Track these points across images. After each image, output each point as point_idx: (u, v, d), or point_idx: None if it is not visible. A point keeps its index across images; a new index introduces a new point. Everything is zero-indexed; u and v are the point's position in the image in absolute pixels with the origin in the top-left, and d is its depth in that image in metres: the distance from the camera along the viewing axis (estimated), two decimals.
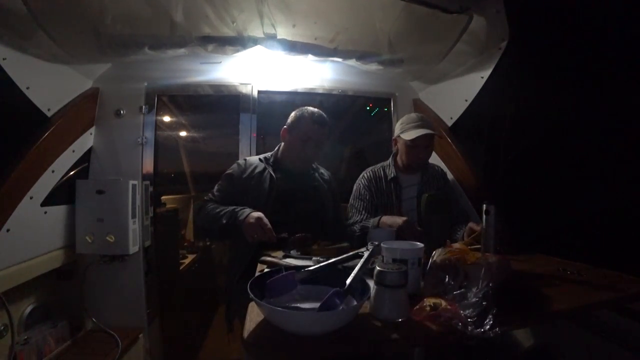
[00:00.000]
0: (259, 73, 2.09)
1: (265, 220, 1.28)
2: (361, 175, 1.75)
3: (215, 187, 1.56)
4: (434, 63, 1.87)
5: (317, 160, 1.68)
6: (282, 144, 1.65)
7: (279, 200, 1.49)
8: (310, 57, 1.90)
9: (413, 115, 1.68)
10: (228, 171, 1.59)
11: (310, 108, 1.59)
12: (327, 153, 1.77)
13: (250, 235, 1.27)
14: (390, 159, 1.74)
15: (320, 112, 1.58)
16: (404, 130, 1.62)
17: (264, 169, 1.55)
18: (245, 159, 1.61)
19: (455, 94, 1.91)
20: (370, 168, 1.76)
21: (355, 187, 1.73)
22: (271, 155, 1.63)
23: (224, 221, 1.33)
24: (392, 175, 1.68)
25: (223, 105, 2.29)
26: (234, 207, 1.38)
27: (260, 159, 1.60)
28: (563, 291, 0.88)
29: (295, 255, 1.16)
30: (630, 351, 1.07)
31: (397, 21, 1.58)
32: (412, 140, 1.59)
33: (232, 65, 2.05)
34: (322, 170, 1.75)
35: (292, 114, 1.60)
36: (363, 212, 1.64)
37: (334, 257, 0.93)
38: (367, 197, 1.66)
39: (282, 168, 1.59)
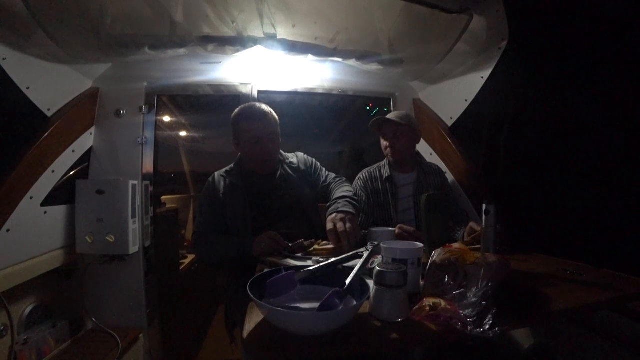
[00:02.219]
0: (259, 73, 2.09)
1: (272, 233, 1.26)
2: (357, 177, 1.76)
3: (198, 216, 1.50)
4: (434, 63, 1.87)
5: (277, 153, 1.53)
6: (239, 153, 1.56)
7: (254, 208, 1.44)
8: (310, 57, 1.90)
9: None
10: (201, 195, 1.53)
11: (245, 107, 1.46)
12: (323, 152, 1.75)
13: (262, 249, 1.22)
14: (385, 159, 1.75)
15: (257, 105, 1.46)
16: (372, 124, 1.68)
17: (229, 182, 1.48)
18: (213, 175, 1.55)
19: (455, 94, 1.91)
20: (366, 169, 1.77)
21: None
22: (232, 167, 1.54)
23: (234, 254, 1.30)
24: (387, 174, 1.68)
25: (223, 105, 2.29)
26: (233, 238, 1.36)
27: (222, 175, 1.52)
28: (563, 291, 0.88)
29: (295, 256, 1.16)
30: (630, 351, 1.07)
31: (397, 21, 1.58)
32: (378, 130, 1.69)
33: (232, 65, 2.05)
34: (291, 159, 1.60)
35: (231, 120, 1.47)
36: (360, 214, 1.64)
37: (334, 257, 0.93)
38: (364, 199, 1.66)
39: (247, 175, 1.51)
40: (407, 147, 1.69)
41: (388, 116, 1.64)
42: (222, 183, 1.50)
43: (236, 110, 1.47)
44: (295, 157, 1.63)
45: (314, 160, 1.67)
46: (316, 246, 1.22)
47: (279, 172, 1.53)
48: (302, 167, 1.60)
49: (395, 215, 1.62)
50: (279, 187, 1.49)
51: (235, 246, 1.31)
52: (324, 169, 1.65)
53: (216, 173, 1.56)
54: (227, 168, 1.56)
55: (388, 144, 1.66)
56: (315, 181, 1.60)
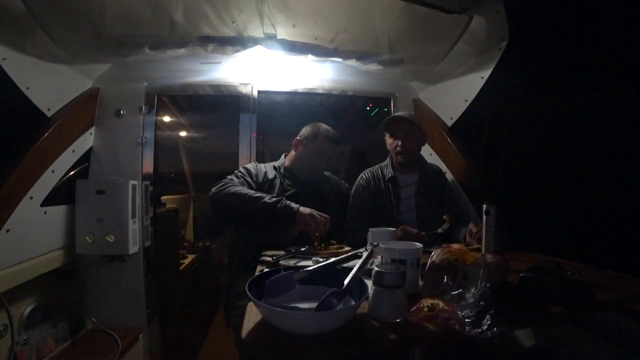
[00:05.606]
0: (259, 73, 2.09)
1: (318, 213, 1.35)
2: (360, 177, 1.75)
3: (234, 174, 1.58)
4: (434, 63, 1.86)
5: (324, 171, 1.76)
6: (292, 152, 1.72)
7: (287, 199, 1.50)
8: (310, 57, 1.90)
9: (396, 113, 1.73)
10: (246, 166, 1.65)
11: (325, 125, 1.68)
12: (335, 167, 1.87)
13: (306, 225, 1.32)
14: (388, 159, 1.75)
15: (335, 133, 1.68)
16: (383, 124, 1.68)
17: (275, 176, 1.62)
18: (260, 164, 1.70)
19: (455, 94, 1.91)
20: (368, 169, 1.77)
21: (354, 189, 1.73)
22: (281, 164, 1.70)
23: (267, 201, 1.35)
24: (390, 175, 1.68)
25: (223, 105, 2.29)
26: (272, 194, 1.43)
27: (274, 167, 1.68)
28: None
29: (297, 254, 1.17)
30: (630, 351, 1.07)
31: (397, 21, 1.58)
32: (389, 129, 1.67)
33: (232, 65, 2.05)
34: (331, 177, 1.83)
35: (307, 127, 1.69)
36: (363, 212, 1.64)
37: (333, 258, 0.93)
38: (367, 198, 1.66)
39: (290, 176, 1.67)
40: (416, 148, 1.70)
41: (401, 114, 1.65)
42: (267, 171, 1.64)
43: (320, 125, 1.68)
44: (334, 178, 1.88)
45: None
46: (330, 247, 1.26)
47: (320, 185, 1.73)
48: (333, 181, 1.84)
49: (398, 215, 1.62)
50: (315, 197, 1.62)
51: (273, 198, 1.37)
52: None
53: (262, 164, 1.72)
54: (275, 164, 1.71)
55: (399, 142, 1.64)
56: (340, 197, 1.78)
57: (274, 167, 1.67)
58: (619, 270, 1.05)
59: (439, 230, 1.41)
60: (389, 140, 1.70)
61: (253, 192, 1.43)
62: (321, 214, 1.35)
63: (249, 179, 1.57)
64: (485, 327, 0.62)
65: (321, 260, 1.01)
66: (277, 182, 1.60)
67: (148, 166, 1.97)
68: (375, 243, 0.97)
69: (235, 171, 1.61)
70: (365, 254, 0.88)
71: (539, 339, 1.36)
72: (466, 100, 1.83)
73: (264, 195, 1.40)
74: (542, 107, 1.44)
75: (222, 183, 1.48)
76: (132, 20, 1.53)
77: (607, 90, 1.21)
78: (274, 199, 1.36)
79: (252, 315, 0.71)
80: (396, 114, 1.69)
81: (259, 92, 2.10)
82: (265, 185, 1.58)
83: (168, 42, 1.70)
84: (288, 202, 1.36)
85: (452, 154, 1.92)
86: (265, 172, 1.63)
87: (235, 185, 1.47)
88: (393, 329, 0.66)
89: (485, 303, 0.67)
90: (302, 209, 1.34)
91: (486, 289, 0.70)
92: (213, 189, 1.47)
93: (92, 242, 1.70)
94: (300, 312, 0.73)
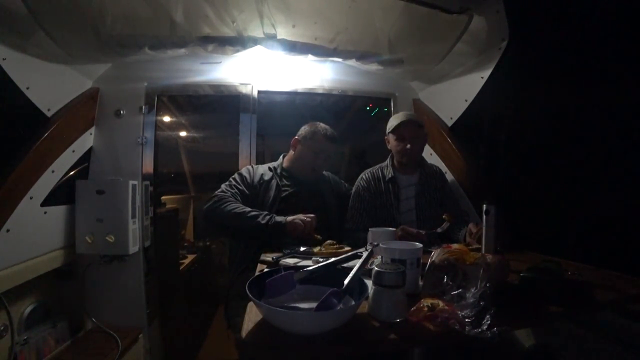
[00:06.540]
0: (259, 73, 2.09)
1: (304, 215, 1.38)
2: (360, 177, 1.75)
3: (227, 184, 1.59)
4: (434, 63, 1.86)
5: (323, 170, 1.77)
6: (291, 152, 1.73)
7: (284, 209, 1.51)
8: (310, 57, 1.90)
9: (399, 113, 1.73)
10: (240, 171, 1.65)
11: (323, 124, 1.70)
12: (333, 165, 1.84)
13: (296, 231, 1.35)
14: (388, 159, 1.75)
15: (333, 130, 1.70)
16: (390, 127, 1.68)
17: (272, 177, 1.62)
18: (257, 166, 1.71)
19: (455, 94, 1.91)
20: (368, 169, 1.76)
21: (354, 189, 1.73)
22: (278, 165, 1.71)
23: (261, 221, 1.38)
24: (390, 175, 1.68)
25: (223, 105, 2.29)
26: (262, 211, 1.44)
27: (270, 168, 1.68)
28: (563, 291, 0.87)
29: (296, 254, 1.17)
30: (630, 351, 1.06)
31: (397, 21, 1.58)
32: (397, 132, 1.65)
33: (232, 65, 2.05)
34: (330, 177, 1.85)
35: (305, 127, 1.70)
36: (363, 213, 1.64)
37: (333, 258, 0.93)
38: (367, 198, 1.66)
39: (288, 177, 1.68)
40: (421, 150, 1.71)
41: (408, 117, 1.65)
42: (263, 172, 1.65)
43: (318, 124, 1.70)
44: (333, 177, 1.89)
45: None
46: (322, 248, 1.25)
47: (318, 184, 1.74)
48: (332, 181, 1.84)
49: (398, 216, 1.62)
50: (313, 197, 1.66)
51: (262, 214, 1.40)
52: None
53: (258, 165, 1.73)
54: (271, 165, 1.71)
55: (408, 145, 1.62)
56: (340, 197, 1.79)
57: (270, 168, 1.67)
58: (619, 270, 1.05)
59: (439, 230, 1.41)
60: (393, 142, 1.67)
61: (247, 210, 1.42)
62: (306, 215, 1.38)
63: (242, 187, 1.57)
64: (485, 327, 0.62)
65: (321, 260, 1.01)
66: (274, 183, 1.60)
67: (148, 166, 1.97)
68: (375, 243, 0.97)
69: (230, 178, 1.62)
70: (365, 254, 0.88)
71: (539, 339, 1.36)
72: (466, 100, 1.83)
73: (257, 213, 1.41)
74: (542, 107, 1.44)
75: (216, 199, 1.48)
76: (132, 20, 1.53)
77: (607, 90, 1.21)
78: (266, 218, 1.39)
79: (252, 315, 0.71)
80: (403, 119, 1.64)
81: (259, 92, 2.10)
82: (261, 187, 1.58)
83: (168, 42, 1.70)
84: (276, 217, 1.39)
85: (452, 154, 1.93)
86: (262, 174, 1.63)
87: (228, 201, 1.46)
88: (393, 329, 0.66)
89: (485, 303, 0.67)
90: (289, 219, 1.37)
91: (486, 289, 0.70)
92: (206, 206, 1.49)
93: (92, 242, 1.70)
94: (300, 312, 0.73)
